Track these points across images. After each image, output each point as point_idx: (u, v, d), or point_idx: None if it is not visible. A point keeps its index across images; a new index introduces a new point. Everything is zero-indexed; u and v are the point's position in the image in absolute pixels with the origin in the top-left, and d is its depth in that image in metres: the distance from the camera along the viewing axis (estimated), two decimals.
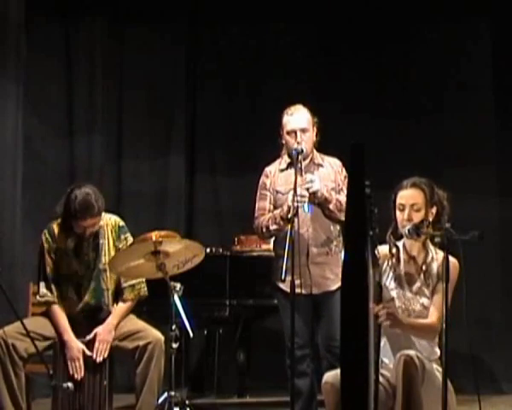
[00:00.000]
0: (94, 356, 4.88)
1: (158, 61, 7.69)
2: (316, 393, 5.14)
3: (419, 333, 4.26)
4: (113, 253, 5.05)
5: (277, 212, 5.17)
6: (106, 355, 4.90)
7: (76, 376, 4.84)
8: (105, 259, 5.05)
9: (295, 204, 4.93)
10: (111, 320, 4.98)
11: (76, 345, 4.90)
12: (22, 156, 7.00)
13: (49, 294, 5.00)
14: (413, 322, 4.25)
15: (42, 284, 5.02)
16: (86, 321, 5.02)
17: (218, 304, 6.17)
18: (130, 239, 5.10)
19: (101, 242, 5.06)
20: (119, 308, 5.04)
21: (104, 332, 4.93)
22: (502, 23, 7.42)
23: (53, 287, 5.01)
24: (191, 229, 7.70)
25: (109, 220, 5.11)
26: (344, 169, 5.28)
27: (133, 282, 5.06)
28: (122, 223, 5.15)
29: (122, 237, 5.10)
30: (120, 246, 5.08)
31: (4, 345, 4.79)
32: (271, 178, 5.31)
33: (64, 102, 7.56)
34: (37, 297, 5.05)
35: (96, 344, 4.90)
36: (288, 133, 5.23)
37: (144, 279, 5.11)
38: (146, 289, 5.12)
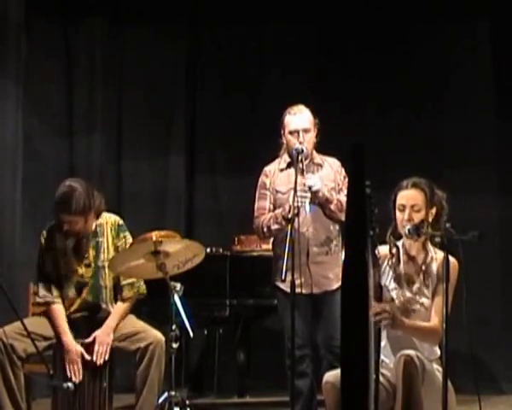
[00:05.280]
0: (94, 359, 4.87)
1: (158, 61, 7.68)
2: (316, 393, 5.14)
3: (423, 337, 4.24)
4: (112, 250, 5.06)
5: (279, 211, 5.16)
6: (107, 358, 4.88)
7: (74, 379, 4.82)
8: (103, 256, 5.05)
9: (296, 204, 4.94)
10: (109, 322, 4.96)
11: (74, 348, 4.88)
12: (22, 156, 7.00)
13: (48, 294, 5.00)
14: (414, 324, 4.23)
15: (41, 286, 5.02)
16: (85, 321, 5.02)
17: (218, 304, 6.17)
18: (129, 238, 5.11)
19: (100, 240, 5.06)
20: (118, 310, 5.02)
21: (103, 335, 4.92)
22: (502, 23, 7.40)
23: (52, 287, 5.01)
24: (191, 229, 7.70)
25: (109, 219, 5.12)
26: (343, 169, 5.28)
27: (132, 280, 5.05)
28: (121, 222, 5.16)
29: (121, 235, 5.10)
30: (119, 244, 5.08)
31: (2, 345, 4.79)
32: (271, 178, 5.30)
33: (64, 102, 7.55)
34: (37, 299, 5.05)
35: (96, 347, 4.88)
36: (291, 133, 5.22)
37: None
38: (144, 287, 5.11)
